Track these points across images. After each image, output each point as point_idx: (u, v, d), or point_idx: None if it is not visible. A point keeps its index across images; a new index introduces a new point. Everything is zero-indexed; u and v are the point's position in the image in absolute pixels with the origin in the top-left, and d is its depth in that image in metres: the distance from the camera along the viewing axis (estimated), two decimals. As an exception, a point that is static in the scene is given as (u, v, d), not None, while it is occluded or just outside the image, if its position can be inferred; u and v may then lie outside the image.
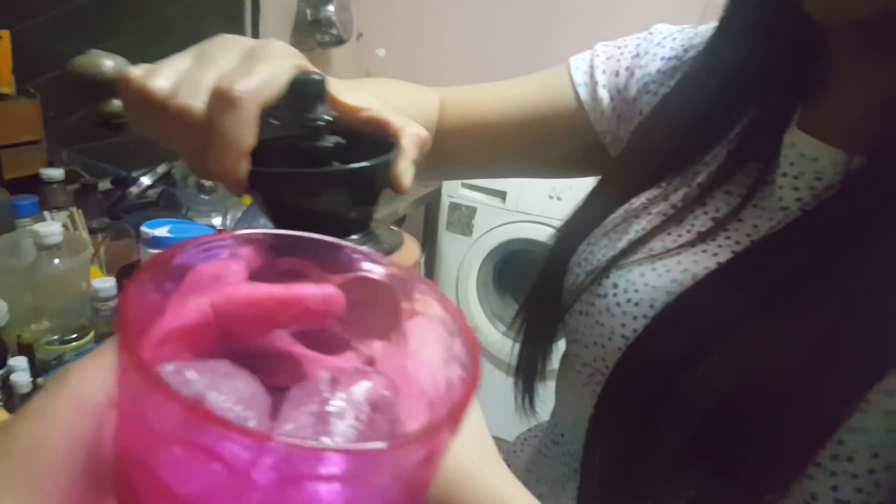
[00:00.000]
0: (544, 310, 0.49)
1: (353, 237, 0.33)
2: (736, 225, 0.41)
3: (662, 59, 0.51)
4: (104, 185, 1.36)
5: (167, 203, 1.40)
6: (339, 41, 1.87)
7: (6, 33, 1.11)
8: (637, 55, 0.53)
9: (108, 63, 0.33)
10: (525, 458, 0.56)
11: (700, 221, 0.42)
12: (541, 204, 1.80)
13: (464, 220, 1.91)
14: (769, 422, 0.33)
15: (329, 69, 2.07)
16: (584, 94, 0.54)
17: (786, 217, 0.38)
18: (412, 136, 0.34)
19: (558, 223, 0.51)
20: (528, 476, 0.53)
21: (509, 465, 0.30)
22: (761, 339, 0.34)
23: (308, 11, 1.82)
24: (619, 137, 0.53)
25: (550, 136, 0.55)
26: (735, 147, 0.44)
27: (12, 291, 0.83)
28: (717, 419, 0.34)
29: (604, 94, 0.53)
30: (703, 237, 0.41)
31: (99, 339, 0.82)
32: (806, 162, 0.40)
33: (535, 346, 0.50)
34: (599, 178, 0.51)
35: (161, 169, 1.35)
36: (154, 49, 1.45)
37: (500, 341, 2.05)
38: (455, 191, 1.91)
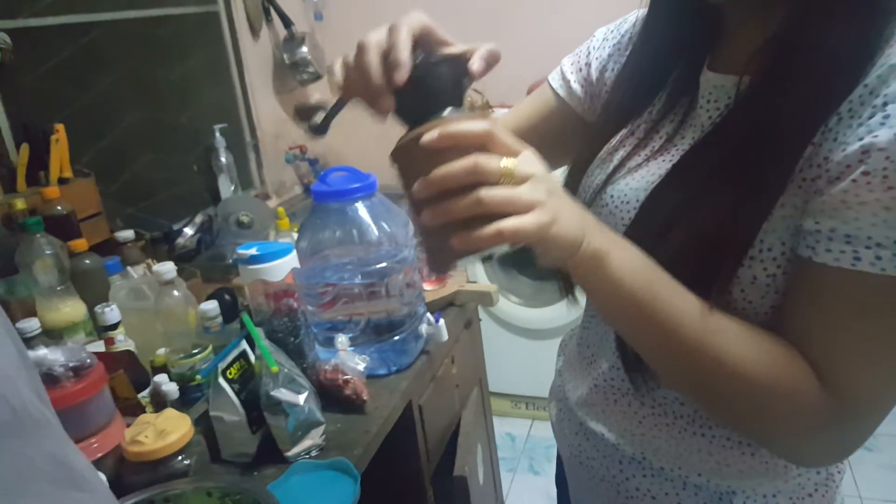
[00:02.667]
0: None
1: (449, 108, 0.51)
2: (679, 140, 0.62)
3: (609, 47, 0.73)
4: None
5: (207, 247, 1.60)
6: (317, 77, 2.08)
7: (62, 127, 1.31)
8: (589, 53, 0.75)
9: (315, 95, 0.54)
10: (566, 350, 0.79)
11: (657, 143, 0.63)
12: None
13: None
14: (715, 238, 0.52)
15: (309, 101, 2.29)
16: (562, 92, 0.76)
17: (706, 128, 0.59)
18: (484, 49, 0.52)
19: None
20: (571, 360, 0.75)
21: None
22: (701, 198, 0.54)
23: (285, 56, 2.03)
24: (594, 109, 0.75)
25: (553, 132, 0.77)
26: (670, 90, 0.65)
27: (138, 328, 1.03)
28: (686, 248, 0.53)
29: (576, 87, 0.75)
30: (660, 151, 0.62)
31: (216, 351, 1.02)
32: (717, 90, 0.59)
33: None
34: (584, 137, 0.73)
35: (199, 219, 1.56)
36: (167, 113, 1.70)
37: (515, 309, 2.28)
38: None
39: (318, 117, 0.55)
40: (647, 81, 0.66)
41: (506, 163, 0.45)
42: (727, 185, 0.53)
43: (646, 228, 0.58)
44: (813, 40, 0.50)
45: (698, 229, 0.53)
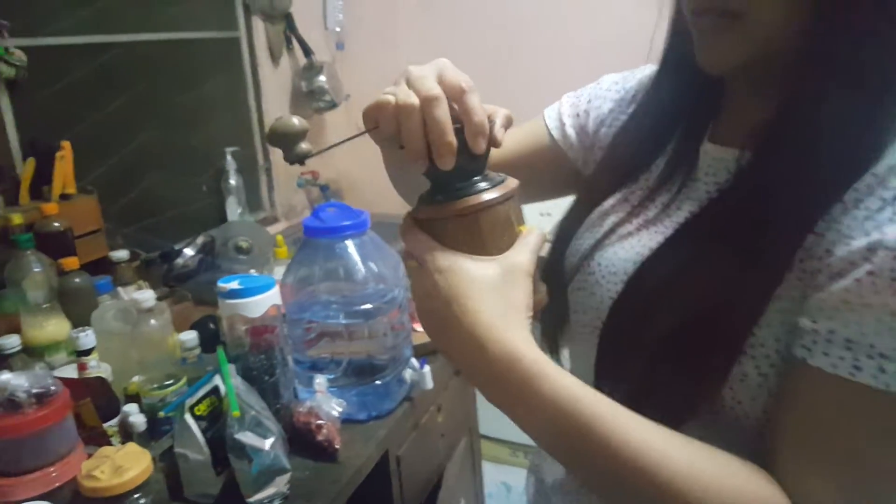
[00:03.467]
0: (554, 291, 0.67)
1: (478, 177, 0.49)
2: (674, 212, 0.58)
3: (612, 101, 0.70)
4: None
5: (207, 268, 1.59)
6: (333, 105, 2.09)
7: (68, 144, 1.32)
8: (590, 101, 0.72)
9: (296, 121, 0.49)
10: None
11: (651, 212, 0.59)
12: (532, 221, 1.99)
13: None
14: (707, 328, 0.48)
15: (325, 130, 2.30)
16: (556, 133, 0.73)
17: (702, 202, 0.55)
18: (502, 115, 0.50)
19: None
20: None
21: None
22: (693, 279, 0.50)
23: (303, 84, 2.04)
24: (586, 161, 0.72)
25: (538, 168, 0.74)
26: (669, 158, 0.61)
27: (117, 353, 1.01)
28: (675, 333, 0.49)
29: (571, 132, 0.72)
30: (653, 222, 0.58)
31: (190, 383, 1.00)
32: (717, 162, 0.56)
33: (552, 320, 0.66)
34: (576, 196, 0.69)
35: (200, 240, 1.55)
36: (179, 134, 1.70)
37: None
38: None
39: (303, 146, 0.52)
40: (647, 146, 0.63)
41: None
42: (720, 268, 0.49)
43: (632, 307, 0.55)
44: (813, 121, 0.47)
45: (687, 314, 0.49)
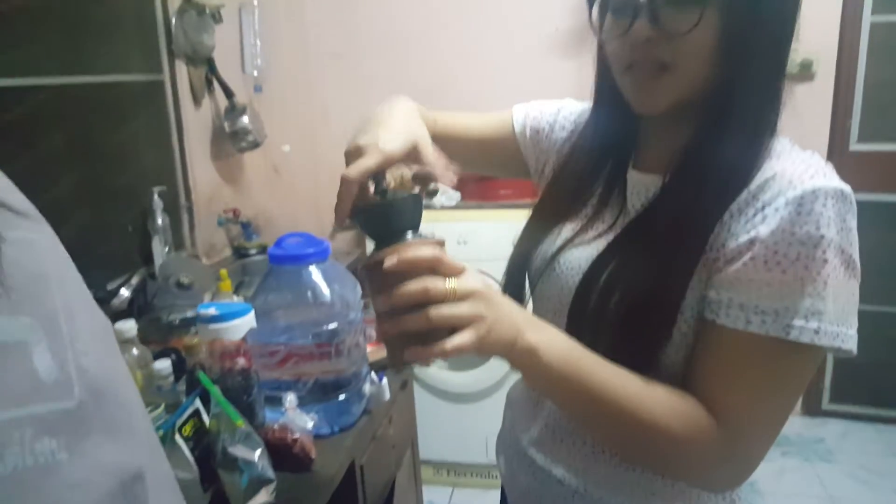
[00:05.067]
0: (516, 285, 0.82)
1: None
2: (615, 227, 0.74)
3: (567, 130, 0.86)
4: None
5: (143, 307, 1.59)
6: (256, 145, 2.16)
7: None
8: (555, 121, 0.87)
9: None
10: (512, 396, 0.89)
11: (598, 227, 0.75)
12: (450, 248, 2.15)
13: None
14: (651, 303, 0.65)
15: (244, 167, 2.35)
16: (517, 128, 0.89)
17: (634, 217, 0.72)
18: (444, 165, 0.66)
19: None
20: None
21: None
22: (634, 270, 0.67)
23: (226, 124, 2.10)
24: (536, 167, 0.88)
25: (497, 151, 0.90)
26: (604, 185, 0.78)
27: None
28: (624, 307, 0.66)
29: (530, 134, 0.88)
30: (600, 234, 0.74)
31: (168, 410, 1.04)
32: (641, 186, 0.73)
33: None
34: (532, 212, 0.84)
35: (135, 279, 1.55)
36: (105, 174, 1.72)
37: (438, 373, 2.36)
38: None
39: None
40: (586, 177, 0.80)
41: (450, 284, 0.58)
42: (653, 261, 0.66)
43: (589, 292, 0.70)
44: (713, 152, 0.65)
45: (633, 294, 0.66)
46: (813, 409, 2.87)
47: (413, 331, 0.57)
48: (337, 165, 0.66)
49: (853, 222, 0.60)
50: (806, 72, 2.49)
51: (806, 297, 0.58)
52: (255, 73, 2.31)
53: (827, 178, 0.60)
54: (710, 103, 0.66)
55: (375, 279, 0.60)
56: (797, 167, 0.62)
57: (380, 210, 0.62)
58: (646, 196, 0.73)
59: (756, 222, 0.61)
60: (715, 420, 0.62)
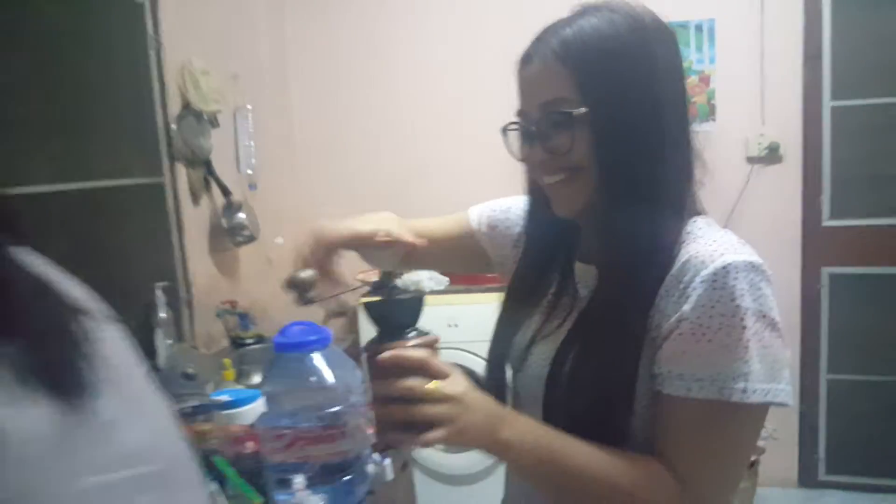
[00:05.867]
0: (496, 381, 0.90)
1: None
2: (571, 315, 0.81)
3: (518, 226, 0.94)
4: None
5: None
6: (252, 239, 2.27)
7: None
8: (507, 217, 0.96)
9: (311, 272, 0.77)
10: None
11: (560, 316, 0.83)
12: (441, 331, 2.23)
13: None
14: (608, 393, 0.73)
15: (239, 260, 2.45)
16: (475, 227, 0.98)
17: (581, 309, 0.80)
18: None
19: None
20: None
21: None
22: (587, 364, 0.74)
23: (223, 221, 2.21)
24: (496, 260, 0.97)
25: (460, 248, 0.99)
26: (560, 275, 0.86)
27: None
28: (588, 390, 0.74)
29: (486, 230, 0.97)
30: (562, 323, 0.81)
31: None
32: (586, 277, 0.81)
33: (497, 392, 0.88)
34: (501, 305, 0.92)
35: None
36: (110, 274, 1.81)
37: (433, 454, 2.37)
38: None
39: (312, 293, 0.76)
40: (541, 268, 0.89)
41: (432, 385, 0.68)
42: (604, 346, 0.75)
43: (557, 383, 0.78)
44: (630, 243, 0.73)
45: (593, 379, 0.74)
46: (810, 481, 2.82)
47: (397, 420, 0.68)
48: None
49: (768, 289, 0.69)
50: (774, 154, 2.66)
51: (733, 362, 0.67)
52: (250, 172, 2.46)
53: (737, 253, 0.69)
54: (617, 200, 0.74)
55: (373, 366, 0.72)
56: (708, 247, 0.70)
57: (385, 307, 0.74)
58: (591, 286, 0.80)
59: (681, 302, 0.69)
60: (677, 482, 0.69)
